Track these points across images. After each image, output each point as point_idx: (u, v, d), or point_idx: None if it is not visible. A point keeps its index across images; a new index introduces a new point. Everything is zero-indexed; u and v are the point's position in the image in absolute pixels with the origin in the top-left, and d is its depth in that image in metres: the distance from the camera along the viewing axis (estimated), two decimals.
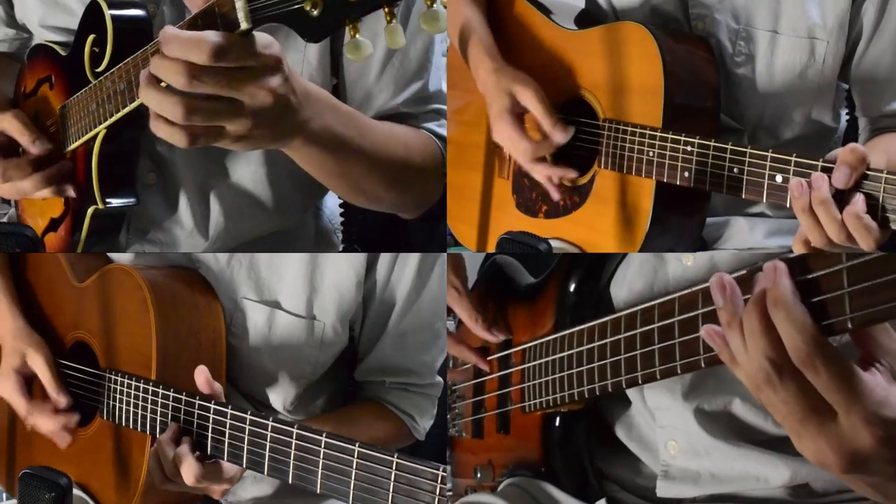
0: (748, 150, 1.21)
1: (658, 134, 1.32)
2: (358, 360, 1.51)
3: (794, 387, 0.72)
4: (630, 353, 1.01)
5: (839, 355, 0.70)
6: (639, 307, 0.99)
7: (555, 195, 1.44)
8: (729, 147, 1.23)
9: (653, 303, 0.97)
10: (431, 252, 1.46)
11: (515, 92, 1.41)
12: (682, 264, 1.16)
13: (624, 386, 1.05)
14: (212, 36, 0.99)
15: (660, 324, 0.95)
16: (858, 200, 1.07)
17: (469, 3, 1.54)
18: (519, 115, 1.41)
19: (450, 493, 1.43)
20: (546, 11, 1.52)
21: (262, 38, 1.03)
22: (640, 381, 1.01)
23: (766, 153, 1.19)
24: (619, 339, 1.03)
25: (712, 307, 0.89)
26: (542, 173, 1.43)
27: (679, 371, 0.96)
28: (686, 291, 0.94)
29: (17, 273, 1.54)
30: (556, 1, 1.52)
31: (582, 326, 1.12)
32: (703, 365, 0.93)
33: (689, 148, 1.28)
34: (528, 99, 1.40)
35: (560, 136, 1.39)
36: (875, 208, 1.07)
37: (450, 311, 1.44)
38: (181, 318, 1.36)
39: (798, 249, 1.15)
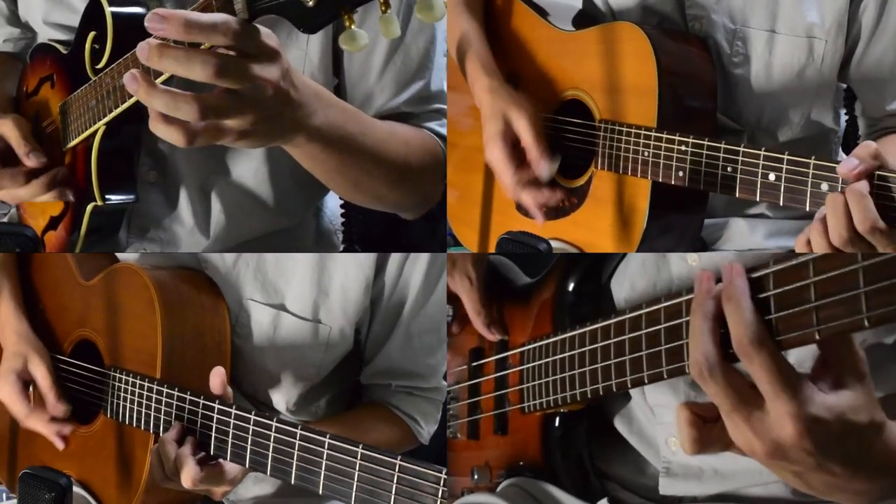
0: (741, 149, 1.16)
1: (652, 134, 1.25)
2: (364, 363, 1.45)
3: (723, 381, 0.76)
4: (635, 353, 0.94)
5: (775, 352, 0.74)
6: (644, 309, 0.92)
7: (539, 220, 1.36)
8: (722, 146, 1.18)
9: (659, 305, 0.90)
10: (431, 252, 1.40)
11: (510, 117, 1.32)
12: (688, 264, 1.09)
13: (629, 386, 0.98)
14: (224, 15, 0.93)
15: (667, 325, 0.89)
16: (863, 183, 1.00)
17: (467, 14, 1.46)
18: (511, 140, 1.33)
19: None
20: (543, 13, 1.45)
21: (261, 29, 0.97)
22: (645, 381, 0.94)
23: (758, 151, 1.14)
24: (624, 339, 0.96)
25: None
26: (526, 200, 1.34)
27: (687, 371, 0.89)
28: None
29: (23, 270, 1.48)
30: (554, 2, 1.45)
31: (584, 328, 1.05)
32: None
33: (683, 147, 1.21)
34: (522, 126, 1.31)
35: (544, 170, 1.30)
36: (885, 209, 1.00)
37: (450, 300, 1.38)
38: (187, 318, 1.30)
39: (800, 249, 1.07)
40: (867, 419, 0.75)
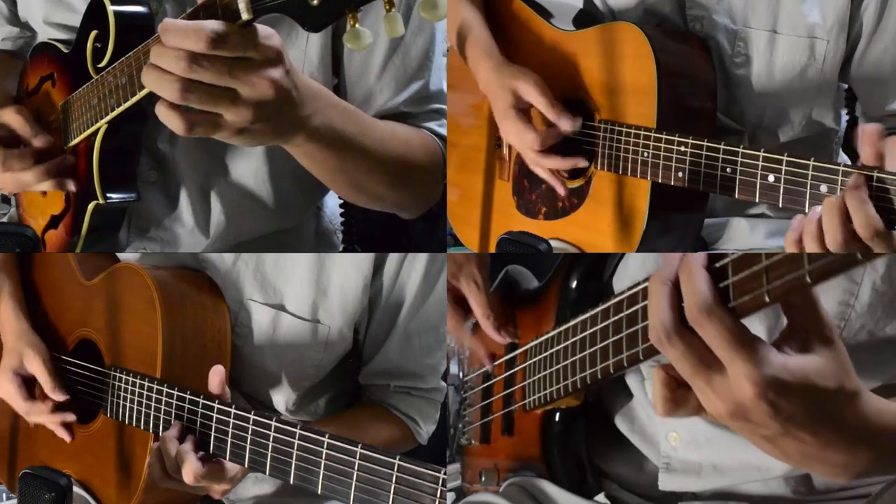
0: (741, 150, 1.14)
1: (652, 134, 1.24)
2: (363, 363, 1.43)
3: (682, 346, 0.76)
4: (617, 336, 0.93)
5: (725, 317, 0.73)
6: (625, 293, 0.91)
7: (560, 190, 1.36)
8: (721, 147, 1.16)
9: (637, 288, 0.89)
10: (431, 252, 1.38)
11: (517, 87, 1.33)
12: None
13: (612, 371, 0.96)
14: (210, 24, 0.93)
15: (643, 303, 0.87)
16: (860, 181, 0.98)
17: (467, 4, 1.46)
18: (523, 110, 1.34)
19: (453, 497, 1.35)
20: (543, 13, 1.44)
21: (262, 29, 0.96)
22: (625, 364, 0.93)
23: (758, 153, 1.12)
24: (608, 324, 0.95)
25: None
26: (549, 165, 1.34)
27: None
28: None
29: (25, 269, 1.47)
30: (555, 2, 1.43)
31: (575, 320, 1.04)
32: None
33: (682, 148, 1.20)
34: (531, 93, 1.32)
35: (567, 124, 1.31)
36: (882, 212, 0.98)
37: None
38: (188, 318, 1.29)
39: (790, 249, 1.05)
40: (835, 385, 0.74)
